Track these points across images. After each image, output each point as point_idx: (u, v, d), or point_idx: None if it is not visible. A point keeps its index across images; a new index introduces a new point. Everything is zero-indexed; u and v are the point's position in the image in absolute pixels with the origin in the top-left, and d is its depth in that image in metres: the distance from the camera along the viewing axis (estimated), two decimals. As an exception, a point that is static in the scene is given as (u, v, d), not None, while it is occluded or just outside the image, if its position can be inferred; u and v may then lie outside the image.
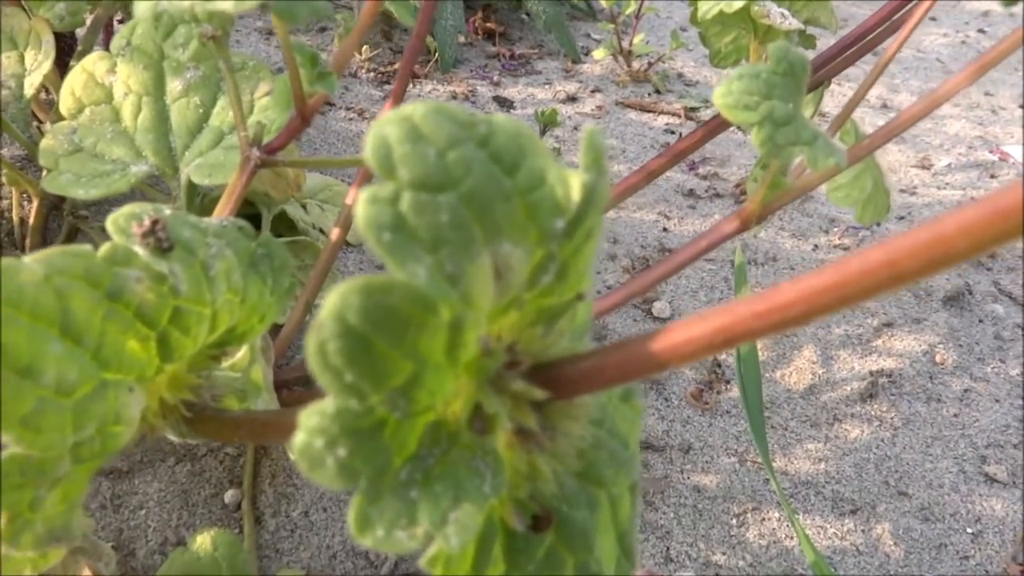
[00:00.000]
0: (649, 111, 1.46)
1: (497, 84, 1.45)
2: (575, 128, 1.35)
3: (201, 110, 0.59)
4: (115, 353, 0.40)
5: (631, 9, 1.49)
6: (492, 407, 0.32)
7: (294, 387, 0.75)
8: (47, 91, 0.85)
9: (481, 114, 0.32)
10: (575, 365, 0.33)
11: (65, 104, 0.60)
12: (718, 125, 0.75)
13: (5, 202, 0.79)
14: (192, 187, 0.59)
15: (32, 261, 0.37)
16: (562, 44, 1.58)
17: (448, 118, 0.31)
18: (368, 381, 0.29)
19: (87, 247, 0.40)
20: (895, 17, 0.67)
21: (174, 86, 0.59)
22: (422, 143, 0.30)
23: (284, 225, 0.84)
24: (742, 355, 0.77)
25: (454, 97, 1.37)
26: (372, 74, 1.39)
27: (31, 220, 0.76)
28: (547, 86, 1.48)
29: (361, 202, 0.30)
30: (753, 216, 0.53)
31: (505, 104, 1.39)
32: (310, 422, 0.29)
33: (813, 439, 0.84)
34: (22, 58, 0.72)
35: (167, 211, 0.45)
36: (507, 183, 0.32)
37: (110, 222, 0.43)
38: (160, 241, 0.43)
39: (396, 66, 1.41)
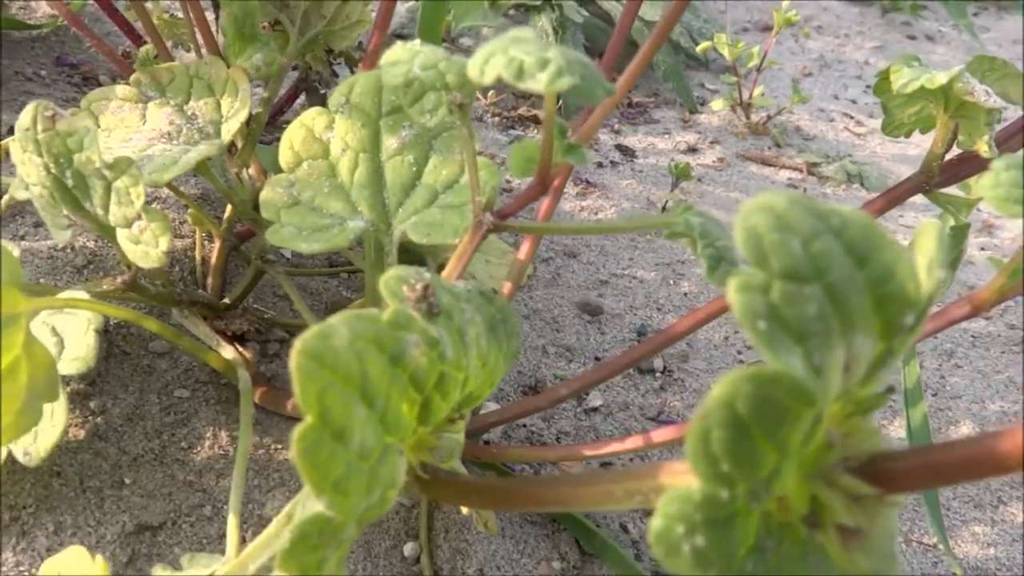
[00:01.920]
0: (770, 165, 1.45)
1: (618, 132, 1.46)
2: (698, 180, 1.35)
3: (414, 168, 0.61)
4: (395, 417, 0.40)
5: (753, 62, 1.49)
6: (828, 500, 0.32)
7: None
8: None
9: (829, 204, 0.32)
10: (903, 461, 0.32)
11: (284, 157, 0.61)
12: (904, 192, 0.74)
13: (187, 240, 0.81)
14: (403, 243, 0.60)
15: (339, 324, 0.38)
16: (680, 94, 1.58)
17: (807, 209, 0.32)
18: (741, 471, 0.29)
19: (374, 311, 0.41)
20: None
21: (389, 144, 0.61)
22: (788, 233, 0.31)
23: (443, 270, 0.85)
24: (913, 431, 0.76)
25: (578, 145, 1.38)
26: (497, 118, 1.41)
27: (213, 260, 0.78)
28: (666, 136, 1.49)
29: (734, 289, 0.30)
30: (986, 303, 0.52)
31: (628, 153, 1.40)
32: (670, 509, 0.29)
33: (979, 521, 0.81)
34: (219, 105, 0.75)
35: (427, 274, 0.46)
36: (859, 275, 0.32)
37: (382, 284, 0.44)
38: (431, 307, 0.43)
39: (521, 110, 1.43)
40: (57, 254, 0.75)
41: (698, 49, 1.52)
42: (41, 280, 0.72)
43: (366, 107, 0.61)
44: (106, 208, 0.56)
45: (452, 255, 0.54)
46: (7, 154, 0.63)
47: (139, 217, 0.55)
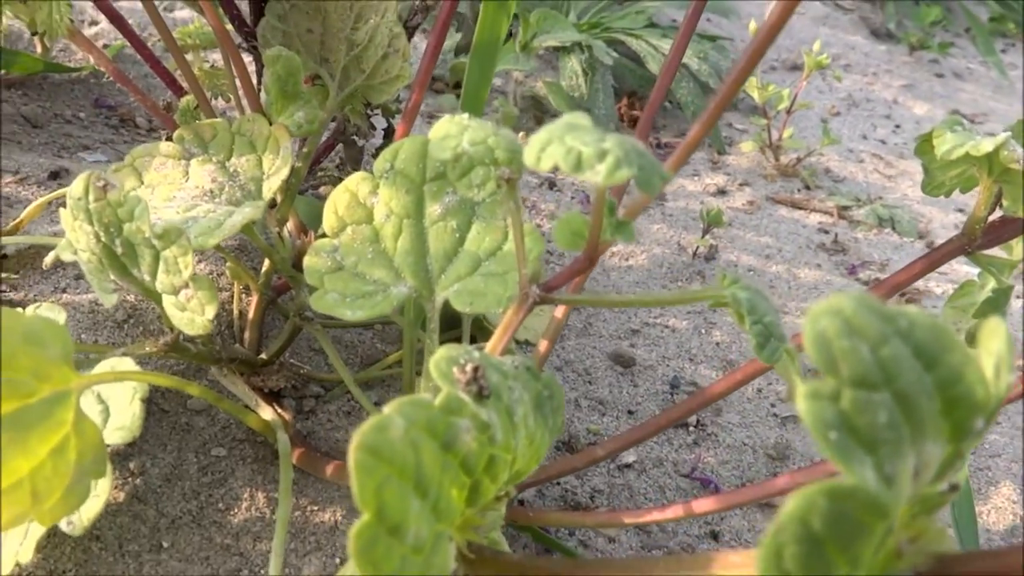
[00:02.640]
0: (801, 208, 1.45)
1: (647, 175, 1.46)
2: (729, 224, 1.35)
3: (457, 235, 0.61)
4: (446, 504, 0.40)
5: (783, 105, 1.49)
6: (898, 618, 0.31)
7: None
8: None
9: (895, 306, 0.32)
10: (972, 566, 0.32)
11: (328, 222, 0.62)
12: (945, 255, 0.73)
13: (225, 294, 0.82)
14: (445, 310, 0.60)
15: (394, 415, 0.38)
16: (709, 136, 1.58)
17: (874, 312, 0.31)
18: (813, 584, 0.28)
19: (426, 397, 0.41)
20: None
21: (433, 210, 0.61)
22: (857, 338, 0.30)
23: (479, 329, 0.85)
24: (959, 521, 0.75)
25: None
26: (526, 162, 1.42)
27: (250, 314, 0.79)
28: (695, 178, 1.49)
29: (804, 397, 0.30)
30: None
31: (658, 196, 1.39)
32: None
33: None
34: (260, 162, 0.76)
35: (476, 353, 0.46)
36: (927, 379, 0.31)
37: (432, 365, 0.44)
38: (482, 389, 0.43)
39: (549, 154, 1.44)
40: (98, 308, 0.75)
41: (728, 92, 1.52)
42: (83, 336, 0.72)
43: (410, 173, 0.61)
44: (154, 275, 0.57)
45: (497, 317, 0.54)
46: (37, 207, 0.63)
47: (186, 285, 0.56)
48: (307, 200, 0.89)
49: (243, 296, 0.82)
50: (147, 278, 0.57)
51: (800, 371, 0.53)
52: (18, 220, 0.78)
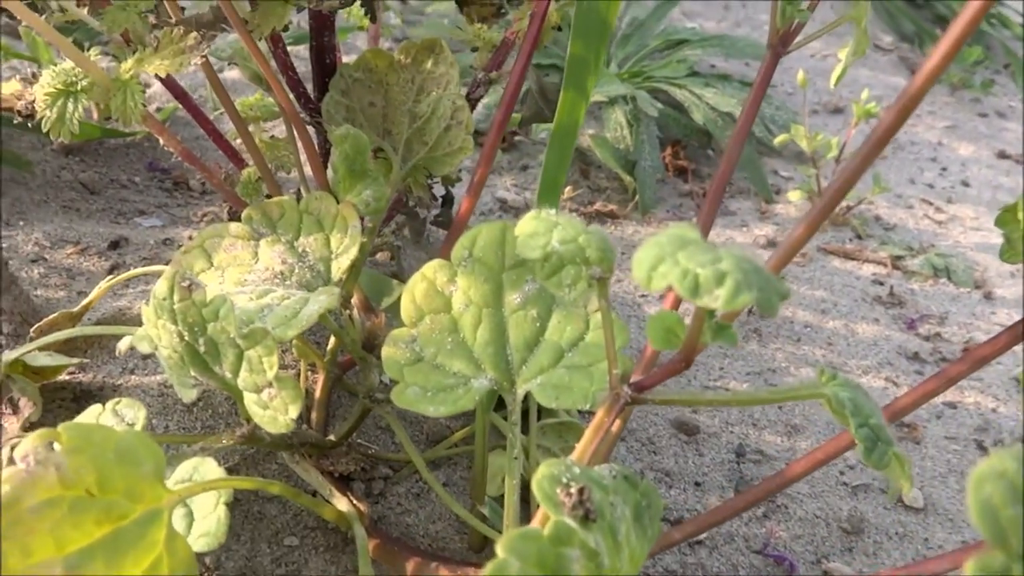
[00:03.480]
0: (853, 259, 1.42)
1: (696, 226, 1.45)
2: (781, 277, 1.33)
3: (538, 324, 0.60)
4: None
5: (832, 153, 1.48)
6: None
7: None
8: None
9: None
10: None
11: (406, 311, 0.61)
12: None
13: (291, 372, 0.81)
14: (526, 402, 0.59)
15: (509, 557, 0.37)
16: (755, 184, 1.57)
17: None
18: None
19: (535, 528, 0.40)
20: None
21: (512, 299, 0.60)
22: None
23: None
24: None
25: (657, 241, 1.37)
26: (575, 214, 1.41)
27: (317, 393, 0.78)
28: (744, 228, 1.47)
29: (970, 570, 0.28)
30: None
31: (706, 248, 1.38)
32: None
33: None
34: (328, 241, 0.75)
35: (576, 468, 0.45)
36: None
37: (535, 485, 0.43)
38: (588, 512, 0.42)
39: (597, 206, 1.43)
40: (167, 391, 0.75)
41: (776, 142, 1.51)
42: (153, 421, 0.72)
43: (489, 261, 0.60)
44: (236, 373, 0.56)
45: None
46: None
47: (270, 385, 0.55)
48: (368, 273, 0.89)
49: (309, 374, 0.81)
50: (229, 375, 0.57)
51: (906, 472, 0.51)
52: (87, 302, 0.79)
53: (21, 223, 1.03)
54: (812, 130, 1.69)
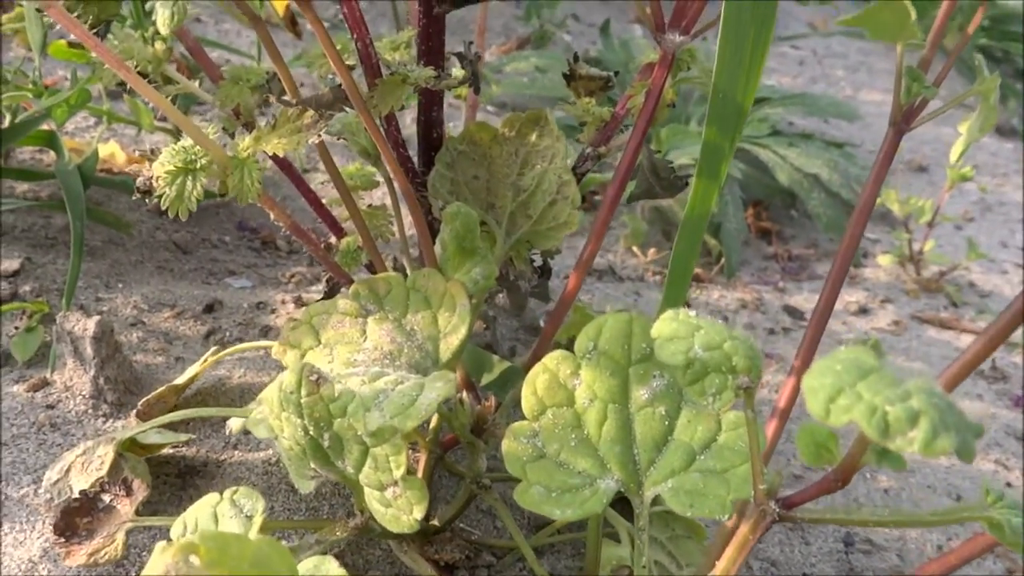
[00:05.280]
0: (950, 328, 1.37)
1: (782, 291, 1.41)
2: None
3: (666, 422, 0.57)
4: None
5: (925, 218, 1.43)
6: None
7: None
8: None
9: None
10: None
11: (527, 404, 0.59)
12: None
13: (390, 450, 0.80)
14: (654, 504, 0.56)
15: None
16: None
17: None
18: None
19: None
20: None
21: (639, 394, 0.58)
22: None
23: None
24: None
25: (744, 306, 1.34)
26: (659, 277, 1.39)
27: (419, 473, 0.76)
28: (833, 294, 1.43)
29: None
30: None
31: (796, 315, 1.34)
32: None
33: None
34: (436, 319, 0.74)
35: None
36: None
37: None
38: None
39: (680, 270, 1.40)
40: (272, 468, 0.74)
41: (867, 206, 1.47)
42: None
43: (615, 355, 0.58)
44: (359, 468, 0.55)
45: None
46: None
47: (395, 483, 0.53)
48: (469, 348, 0.88)
49: (409, 453, 0.79)
50: (351, 470, 0.55)
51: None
52: (191, 375, 0.78)
53: (120, 285, 1.05)
54: (895, 189, 1.65)
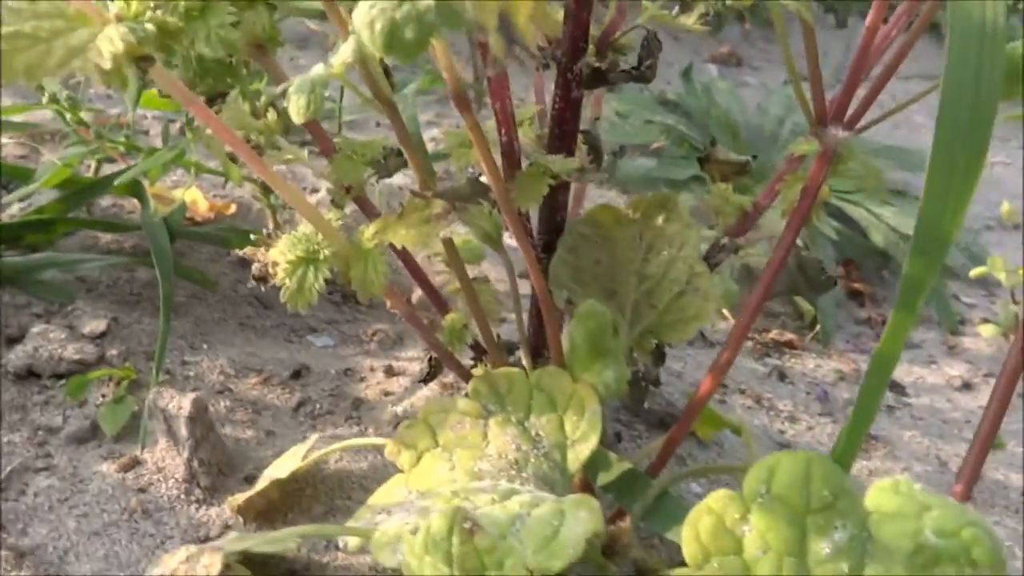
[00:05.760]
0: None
1: (879, 361, 1.34)
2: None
3: (850, 581, 0.51)
4: None
5: (1033, 288, 1.35)
6: None
7: None
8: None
9: None
10: None
11: (689, 550, 0.53)
12: None
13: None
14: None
15: None
16: (939, 313, 1.45)
17: None
18: None
19: None
20: None
21: (818, 547, 0.52)
22: None
23: None
24: None
25: (842, 378, 1.27)
26: (750, 343, 1.32)
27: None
28: (933, 366, 1.35)
29: None
30: None
31: (896, 389, 1.27)
32: None
33: None
34: (562, 423, 0.69)
35: None
36: None
37: None
38: None
39: (773, 334, 1.34)
40: (379, 574, 0.69)
41: (972, 274, 1.39)
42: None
43: (792, 501, 0.52)
44: (510, 624, 0.49)
45: None
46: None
47: (554, 647, 0.48)
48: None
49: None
50: (500, 624, 0.50)
51: None
52: (295, 469, 0.74)
53: (204, 346, 1.01)
54: (986, 246, 1.57)
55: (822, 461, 0.53)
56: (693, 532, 0.54)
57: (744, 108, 1.83)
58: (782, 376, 1.25)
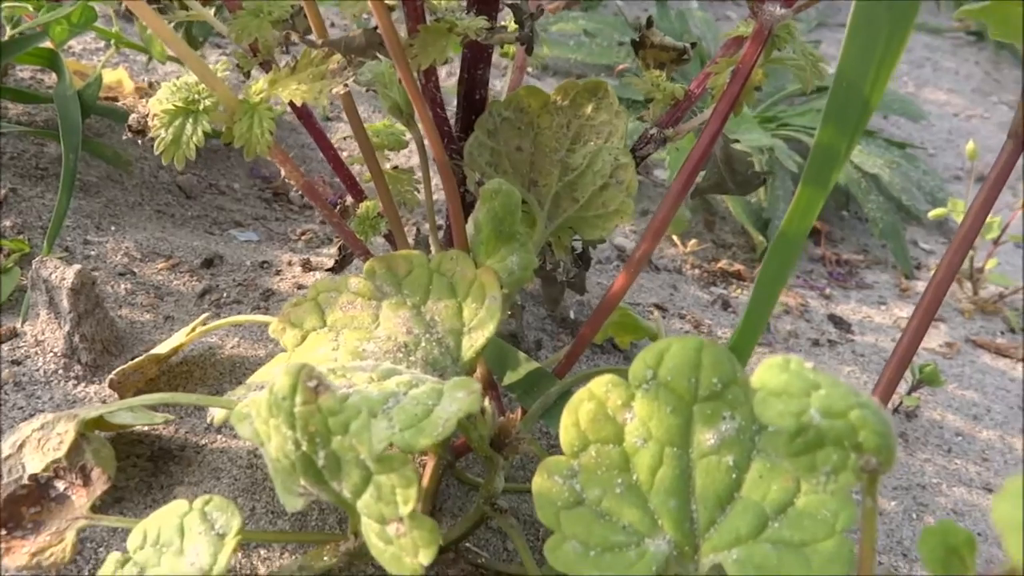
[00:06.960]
0: (1006, 356, 1.26)
1: (828, 298, 1.31)
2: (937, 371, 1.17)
3: (733, 474, 0.47)
4: None
5: (992, 234, 1.32)
6: None
7: None
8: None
9: None
10: None
11: (567, 437, 0.49)
12: None
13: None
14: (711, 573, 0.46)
15: None
16: (896, 256, 1.42)
17: None
18: None
19: None
20: None
21: (703, 438, 0.48)
22: None
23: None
24: None
25: (787, 311, 1.23)
26: (697, 271, 1.28)
27: (424, 481, 0.67)
28: (882, 307, 1.32)
29: None
30: None
31: (842, 326, 1.24)
32: None
33: None
34: (460, 310, 0.64)
35: None
36: None
37: None
38: None
39: (722, 264, 1.30)
40: (258, 461, 0.65)
41: (931, 215, 1.36)
42: (239, 499, 0.62)
43: (679, 388, 0.48)
44: (358, 495, 0.45)
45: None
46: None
47: (400, 520, 0.44)
48: (494, 343, 0.77)
49: (415, 457, 0.70)
50: (348, 495, 0.46)
51: None
52: (176, 345, 0.69)
53: (113, 228, 0.95)
54: (952, 194, 1.53)
55: (714, 348, 0.48)
56: (573, 418, 0.49)
57: (719, 39, 1.76)
58: (726, 305, 1.21)
